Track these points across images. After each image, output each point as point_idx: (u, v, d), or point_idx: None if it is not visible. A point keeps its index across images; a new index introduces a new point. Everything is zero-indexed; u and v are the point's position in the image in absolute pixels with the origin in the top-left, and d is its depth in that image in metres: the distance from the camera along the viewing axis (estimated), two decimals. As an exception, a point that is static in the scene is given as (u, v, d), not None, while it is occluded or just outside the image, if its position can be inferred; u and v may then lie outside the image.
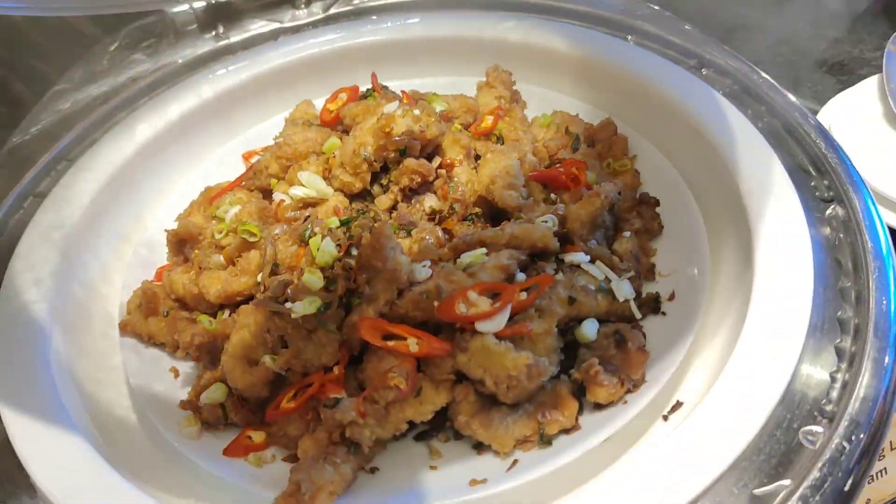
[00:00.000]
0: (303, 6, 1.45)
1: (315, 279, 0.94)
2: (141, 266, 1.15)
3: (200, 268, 1.07)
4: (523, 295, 0.95)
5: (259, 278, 1.02)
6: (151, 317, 1.05)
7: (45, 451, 0.86)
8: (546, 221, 1.04)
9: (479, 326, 0.90)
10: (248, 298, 1.03)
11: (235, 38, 1.42)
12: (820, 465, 0.77)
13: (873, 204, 1.01)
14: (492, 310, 0.91)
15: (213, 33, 1.42)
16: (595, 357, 0.94)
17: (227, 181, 1.23)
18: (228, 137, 1.34)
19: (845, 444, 0.78)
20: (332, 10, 1.46)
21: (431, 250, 1.02)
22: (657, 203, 1.13)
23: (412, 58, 1.38)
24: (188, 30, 1.43)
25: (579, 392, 0.94)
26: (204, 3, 1.42)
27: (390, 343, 0.92)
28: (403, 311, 0.94)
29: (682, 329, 0.98)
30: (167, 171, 1.28)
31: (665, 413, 0.94)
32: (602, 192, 1.06)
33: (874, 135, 1.48)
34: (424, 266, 0.97)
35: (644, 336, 0.98)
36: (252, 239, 1.05)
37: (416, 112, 1.11)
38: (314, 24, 1.44)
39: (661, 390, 0.92)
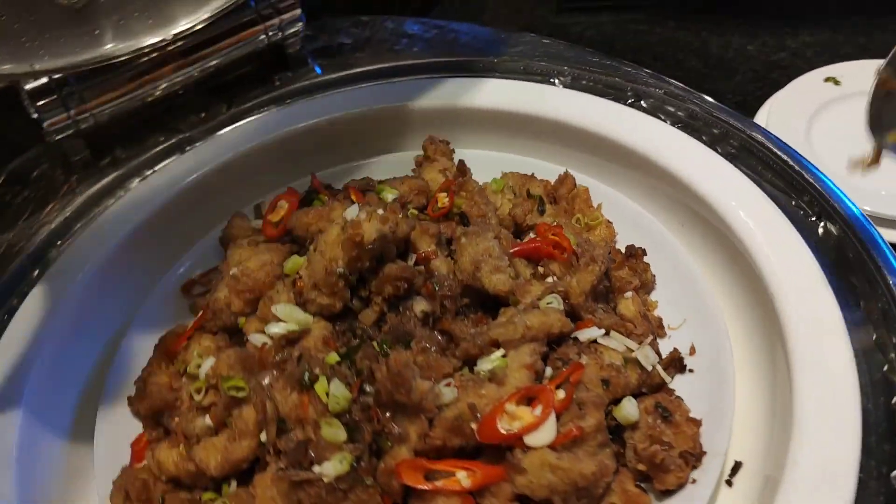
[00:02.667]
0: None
1: (336, 431, 0.84)
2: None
3: (186, 437, 0.94)
4: (560, 393, 0.88)
5: (263, 438, 0.91)
6: (145, 510, 0.92)
7: None
8: (551, 303, 0.97)
9: (530, 441, 0.83)
10: (254, 462, 0.92)
11: (135, 160, 1.26)
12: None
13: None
14: (537, 420, 0.84)
15: (110, 158, 1.27)
16: (646, 438, 0.88)
17: (177, 323, 1.10)
18: (159, 274, 1.19)
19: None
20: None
21: (442, 363, 0.93)
22: (644, 253, 1.09)
23: (336, 143, 1.28)
24: (78, 159, 1.27)
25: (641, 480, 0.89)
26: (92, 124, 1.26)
27: (438, 483, 0.83)
28: (440, 441, 0.86)
29: (717, 385, 0.94)
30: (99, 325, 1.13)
31: (728, 478, 0.90)
32: (598, 259, 1.00)
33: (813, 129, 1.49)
34: (448, 385, 0.89)
35: (683, 402, 0.94)
36: (241, 395, 0.93)
37: (380, 212, 1.01)
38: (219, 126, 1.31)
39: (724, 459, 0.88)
